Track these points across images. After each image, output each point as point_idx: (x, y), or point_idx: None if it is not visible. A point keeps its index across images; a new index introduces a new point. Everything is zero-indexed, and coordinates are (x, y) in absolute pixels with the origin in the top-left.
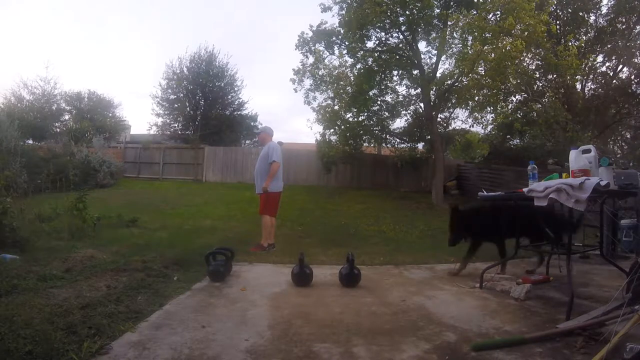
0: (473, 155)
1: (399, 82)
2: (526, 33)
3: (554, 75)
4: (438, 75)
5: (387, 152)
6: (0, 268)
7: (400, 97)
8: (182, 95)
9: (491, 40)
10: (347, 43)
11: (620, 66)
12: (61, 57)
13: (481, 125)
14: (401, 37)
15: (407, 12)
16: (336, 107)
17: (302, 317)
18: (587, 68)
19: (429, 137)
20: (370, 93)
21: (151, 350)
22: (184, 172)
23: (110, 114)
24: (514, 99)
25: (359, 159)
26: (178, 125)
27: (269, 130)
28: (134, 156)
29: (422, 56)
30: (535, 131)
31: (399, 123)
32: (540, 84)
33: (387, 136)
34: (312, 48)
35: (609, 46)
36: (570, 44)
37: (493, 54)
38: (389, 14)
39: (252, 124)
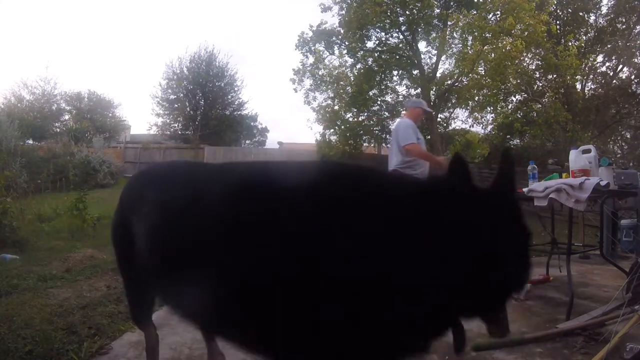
0: (473, 155)
1: (399, 82)
2: (526, 33)
3: (554, 75)
4: (438, 75)
5: (387, 152)
6: (0, 268)
7: (400, 97)
8: (182, 95)
9: (491, 40)
10: (347, 43)
11: (620, 66)
12: (61, 57)
13: (481, 125)
14: (401, 37)
15: (407, 12)
16: (336, 107)
17: None
18: (587, 68)
19: (429, 137)
20: (370, 93)
21: None
22: None
23: (110, 114)
24: (514, 99)
25: (359, 159)
26: (178, 125)
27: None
28: (134, 156)
29: (422, 56)
30: (535, 131)
31: None
32: (540, 84)
33: (387, 136)
34: (312, 48)
35: (609, 46)
36: (570, 44)
37: (493, 54)
38: (389, 14)
39: (252, 124)
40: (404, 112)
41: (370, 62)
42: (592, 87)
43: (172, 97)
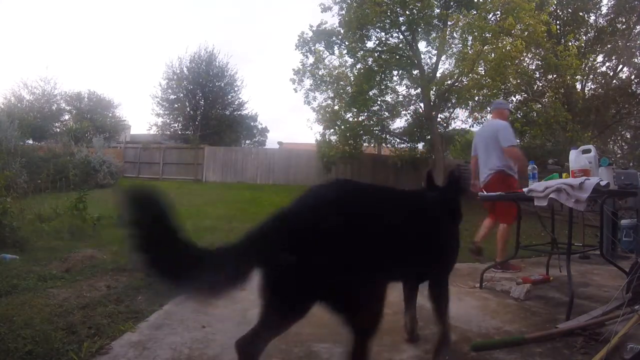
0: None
1: (399, 82)
2: (526, 33)
3: (554, 75)
4: (438, 75)
5: (387, 152)
6: (0, 268)
7: (400, 97)
8: (182, 95)
9: (491, 40)
10: (347, 43)
11: (620, 66)
12: (61, 57)
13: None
14: (401, 37)
15: (407, 12)
16: (336, 107)
17: None
18: (587, 68)
19: (429, 137)
20: (370, 93)
21: (151, 350)
22: (184, 172)
23: (110, 114)
24: (514, 99)
25: (359, 159)
26: (178, 125)
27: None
28: (134, 156)
29: (422, 56)
30: (535, 131)
31: (399, 123)
32: (540, 84)
33: (387, 136)
34: (312, 48)
35: (609, 46)
36: (570, 44)
37: (493, 54)
38: (389, 14)
39: (252, 124)
40: (490, 114)
41: (370, 62)
42: (592, 87)
43: (172, 97)
